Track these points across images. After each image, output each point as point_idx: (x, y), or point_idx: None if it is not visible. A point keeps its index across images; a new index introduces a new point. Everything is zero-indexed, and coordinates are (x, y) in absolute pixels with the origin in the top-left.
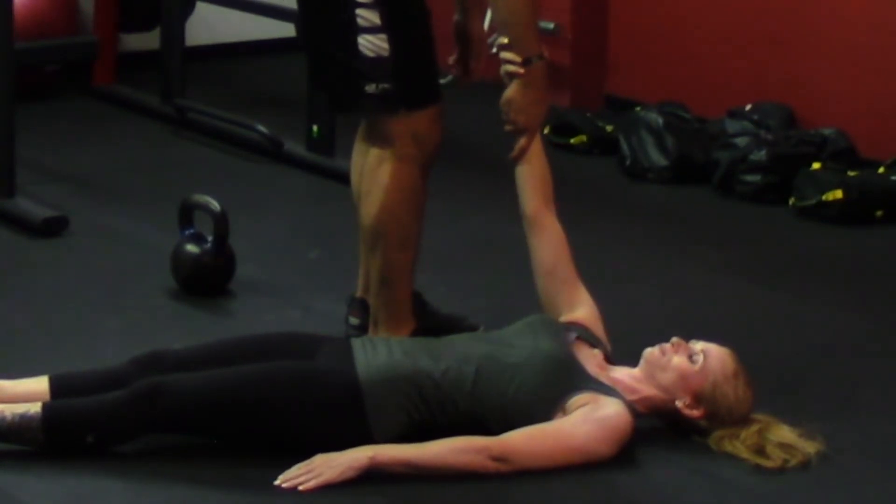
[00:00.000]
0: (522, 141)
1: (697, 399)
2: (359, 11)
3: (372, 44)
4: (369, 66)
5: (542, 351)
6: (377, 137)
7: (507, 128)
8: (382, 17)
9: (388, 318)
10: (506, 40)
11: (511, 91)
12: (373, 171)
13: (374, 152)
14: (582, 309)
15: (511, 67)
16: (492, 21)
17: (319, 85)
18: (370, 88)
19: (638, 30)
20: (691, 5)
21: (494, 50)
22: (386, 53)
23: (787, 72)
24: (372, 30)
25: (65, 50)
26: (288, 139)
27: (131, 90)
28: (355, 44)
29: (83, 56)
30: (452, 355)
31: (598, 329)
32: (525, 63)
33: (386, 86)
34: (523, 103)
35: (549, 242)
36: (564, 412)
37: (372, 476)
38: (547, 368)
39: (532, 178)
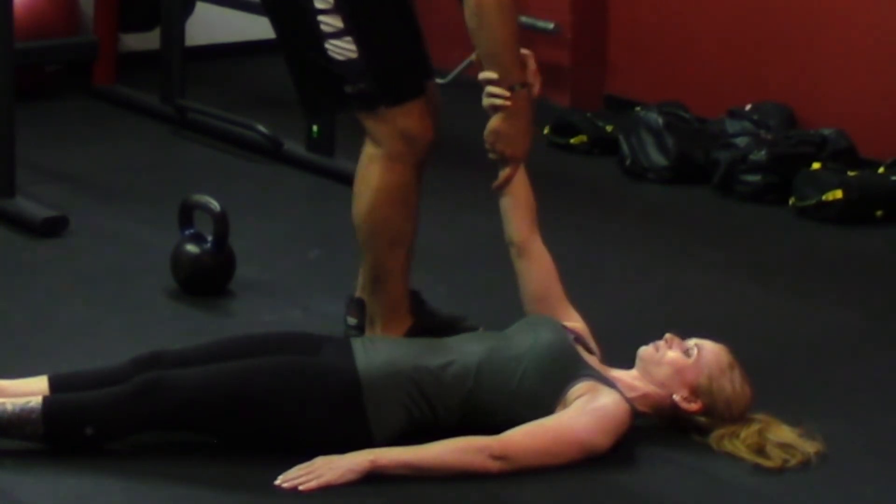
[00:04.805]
0: (507, 171)
1: (694, 392)
2: (320, 18)
3: (339, 48)
4: (342, 68)
5: (543, 341)
6: (368, 137)
7: (492, 156)
8: (344, 21)
9: (383, 316)
10: (491, 74)
11: (497, 121)
12: (363, 171)
13: (366, 152)
14: (574, 324)
15: (497, 100)
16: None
17: (302, 90)
18: (349, 89)
19: (638, 30)
20: (691, 5)
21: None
22: (354, 55)
23: (787, 72)
24: (336, 34)
25: (65, 50)
26: (288, 139)
27: (131, 90)
28: (325, 49)
29: (83, 56)
30: (453, 352)
31: (590, 341)
32: (510, 91)
33: (361, 85)
34: (510, 134)
35: (538, 269)
36: (565, 404)
37: (372, 477)
38: (549, 357)
39: (517, 206)
